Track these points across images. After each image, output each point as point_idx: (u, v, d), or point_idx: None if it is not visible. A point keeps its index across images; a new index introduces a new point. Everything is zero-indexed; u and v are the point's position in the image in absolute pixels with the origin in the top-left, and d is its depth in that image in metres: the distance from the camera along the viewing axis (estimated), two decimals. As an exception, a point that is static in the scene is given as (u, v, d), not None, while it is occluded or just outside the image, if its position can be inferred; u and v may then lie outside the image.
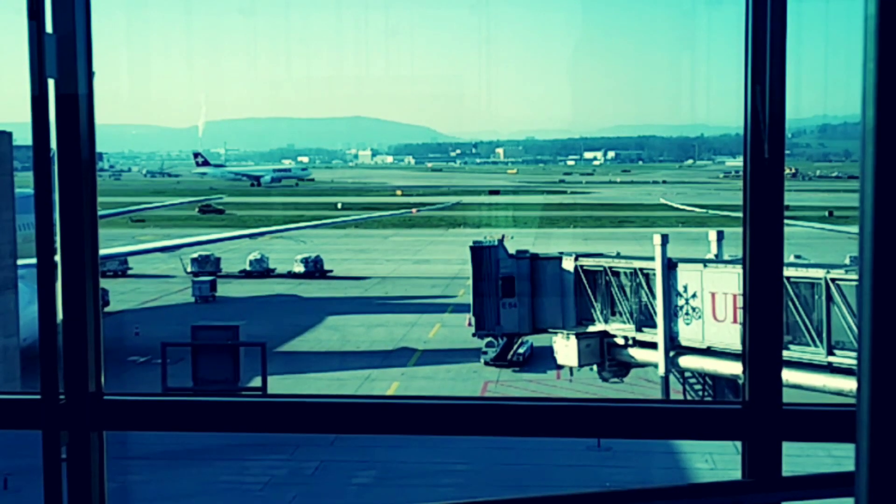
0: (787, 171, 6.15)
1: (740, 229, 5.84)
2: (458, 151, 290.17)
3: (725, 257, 34.28)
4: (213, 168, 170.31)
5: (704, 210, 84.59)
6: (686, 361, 32.08)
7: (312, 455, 28.27)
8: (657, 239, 32.47)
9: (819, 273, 28.43)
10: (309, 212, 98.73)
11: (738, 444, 5.88)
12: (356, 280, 62.76)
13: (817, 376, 27.66)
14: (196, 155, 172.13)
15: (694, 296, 31.46)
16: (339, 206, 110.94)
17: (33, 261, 5.82)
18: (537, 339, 39.21)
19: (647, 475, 26.57)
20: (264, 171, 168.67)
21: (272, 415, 6.26)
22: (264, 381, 33.12)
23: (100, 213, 6.09)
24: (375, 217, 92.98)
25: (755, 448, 5.71)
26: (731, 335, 29.59)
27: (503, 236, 44.04)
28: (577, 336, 33.86)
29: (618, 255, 37.46)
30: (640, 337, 33.44)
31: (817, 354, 28.11)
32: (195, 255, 63.45)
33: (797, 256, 38.54)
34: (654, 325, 32.66)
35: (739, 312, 28.05)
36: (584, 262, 35.53)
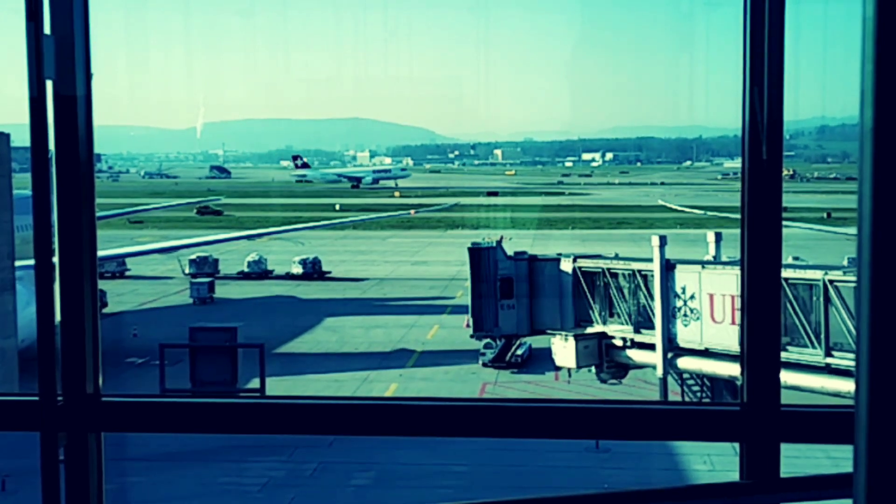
0: (785, 172, 6.15)
1: (738, 231, 5.85)
2: (457, 153, 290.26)
3: (723, 259, 34.29)
4: (312, 171, 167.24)
5: (703, 212, 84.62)
6: (684, 363, 32.08)
7: (311, 456, 28.27)
8: (655, 240, 32.48)
9: (817, 274, 28.43)
10: (307, 213, 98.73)
11: (737, 445, 5.88)
12: (354, 281, 62.78)
13: (815, 378, 27.67)
14: (295, 158, 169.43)
15: (692, 297, 31.47)
16: (338, 207, 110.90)
17: (31, 262, 5.81)
18: (535, 341, 39.22)
19: (646, 476, 26.57)
20: (364, 172, 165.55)
21: (270, 416, 6.25)
22: (262, 383, 33.10)
23: (98, 214, 6.09)
24: (374, 218, 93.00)
25: (753, 449, 5.72)
26: (729, 336, 29.60)
27: (501, 238, 44.10)
28: (576, 337, 33.86)
29: (616, 257, 37.47)
30: (638, 338, 33.45)
31: (815, 356, 28.11)
32: (193, 257, 63.46)
33: (795, 258, 38.57)
34: (652, 327, 32.66)
35: (738, 314, 28.06)
36: (583, 263, 35.54)
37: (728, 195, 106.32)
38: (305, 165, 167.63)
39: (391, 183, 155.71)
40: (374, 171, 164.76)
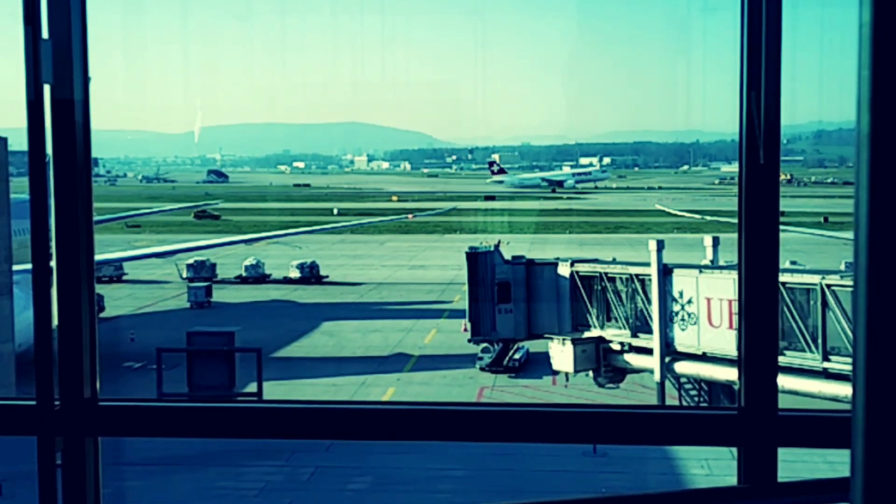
0: (782, 176, 6.15)
1: (736, 235, 5.85)
2: (454, 157, 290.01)
3: (721, 263, 34.30)
4: (510, 176, 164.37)
5: (700, 216, 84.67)
6: (682, 367, 32.08)
7: (308, 461, 28.25)
8: (653, 245, 32.49)
9: (814, 279, 28.45)
10: (305, 217, 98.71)
11: (734, 449, 5.89)
12: (352, 286, 62.75)
13: (813, 382, 27.68)
14: (491, 164, 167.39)
15: (689, 301, 31.47)
16: (335, 211, 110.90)
17: (29, 266, 5.81)
18: (533, 345, 39.22)
19: (643, 481, 26.58)
20: (564, 175, 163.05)
21: (267, 421, 6.25)
22: (259, 387, 33.10)
23: (95, 218, 6.09)
24: (371, 223, 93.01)
25: (751, 454, 5.72)
26: (726, 341, 29.59)
27: (499, 242, 44.12)
28: (573, 342, 33.84)
29: (613, 261, 37.47)
30: (635, 343, 33.44)
31: (813, 360, 28.12)
32: (191, 261, 63.39)
33: (793, 262, 38.61)
34: (649, 331, 32.66)
35: (735, 318, 28.05)
36: (580, 267, 35.55)
37: (725, 199, 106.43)
38: (502, 171, 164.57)
39: (591, 185, 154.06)
40: (575, 174, 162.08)
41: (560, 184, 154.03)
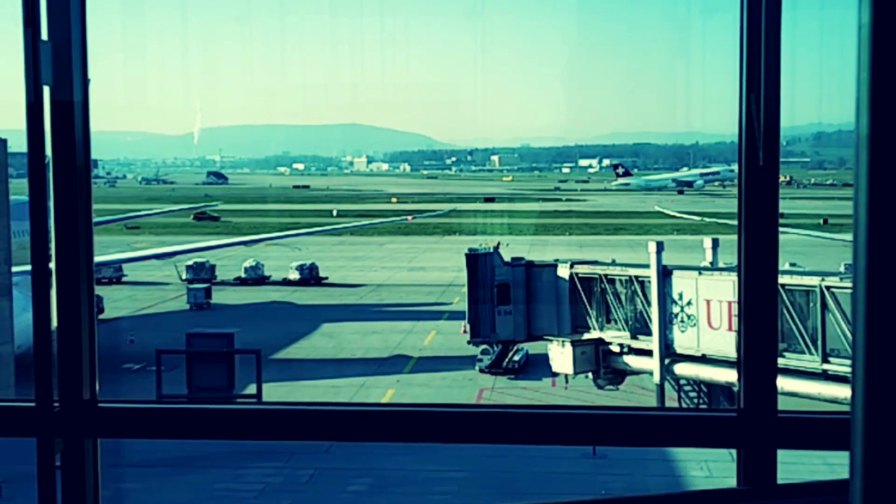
0: (781, 178, 6.14)
1: (735, 237, 5.86)
2: (454, 159, 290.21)
3: (720, 265, 34.29)
4: (635, 178, 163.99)
5: (700, 218, 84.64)
6: (681, 369, 32.07)
7: (307, 462, 28.23)
8: (652, 246, 32.49)
9: (814, 280, 28.44)
10: (304, 219, 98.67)
11: (734, 451, 5.89)
12: (351, 287, 62.74)
13: (812, 384, 27.67)
14: (616, 166, 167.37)
15: (689, 303, 31.46)
16: (335, 213, 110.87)
17: (28, 268, 5.81)
18: (533, 347, 39.21)
19: (642, 483, 26.57)
20: (693, 175, 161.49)
21: (267, 422, 6.25)
22: (259, 389, 33.07)
23: (95, 219, 6.09)
24: (371, 224, 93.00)
25: (750, 456, 5.72)
26: (726, 343, 29.59)
27: (498, 243, 44.12)
28: (573, 343, 33.83)
29: (613, 263, 37.45)
30: (635, 344, 33.43)
31: (812, 362, 28.12)
32: (190, 263, 63.38)
33: (792, 264, 38.57)
34: (649, 333, 32.64)
35: (734, 320, 28.02)
36: (580, 269, 35.52)
37: (724, 201, 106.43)
38: (627, 174, 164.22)
39: (717, 187, 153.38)
40: (702, 174, 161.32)
41: (689, 184, 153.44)
